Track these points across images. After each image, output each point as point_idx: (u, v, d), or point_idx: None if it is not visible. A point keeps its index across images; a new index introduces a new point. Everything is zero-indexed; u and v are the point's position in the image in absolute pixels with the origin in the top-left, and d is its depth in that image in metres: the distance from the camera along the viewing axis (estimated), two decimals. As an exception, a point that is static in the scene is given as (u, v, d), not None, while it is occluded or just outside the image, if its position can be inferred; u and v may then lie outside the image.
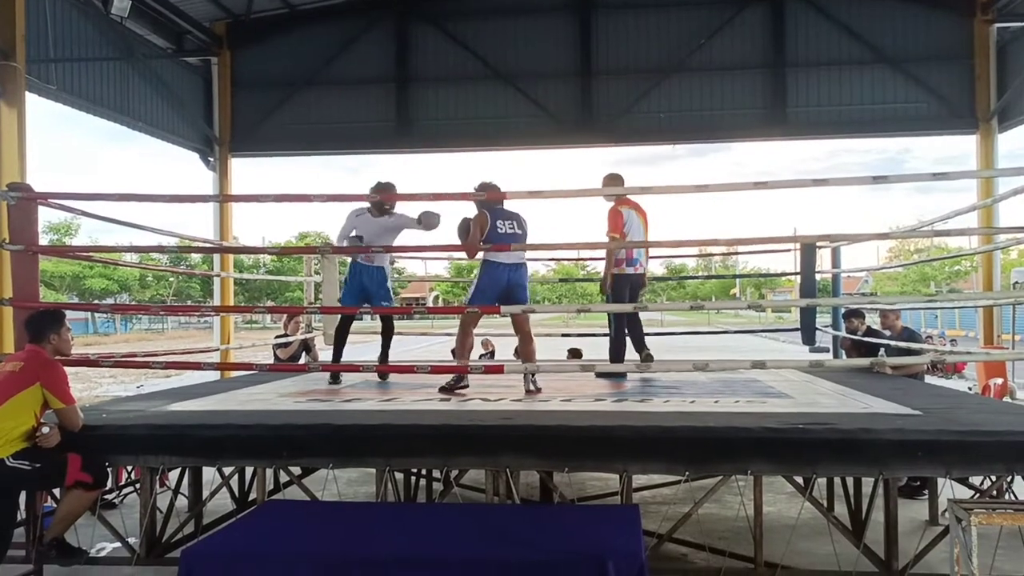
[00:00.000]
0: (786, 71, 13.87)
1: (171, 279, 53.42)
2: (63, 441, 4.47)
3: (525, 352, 6.46)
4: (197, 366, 6.48)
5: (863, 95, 13.77)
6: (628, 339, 6.94)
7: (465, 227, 6.08)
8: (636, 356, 6.78)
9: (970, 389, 12.38)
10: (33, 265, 5.42)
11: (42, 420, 4.46)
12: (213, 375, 10.22)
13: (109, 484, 6.45)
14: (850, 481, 5.59)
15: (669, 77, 14.05)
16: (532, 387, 6.06)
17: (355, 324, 7.12)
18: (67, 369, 4.69)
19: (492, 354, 10.53)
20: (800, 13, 13.84)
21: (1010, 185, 5.37)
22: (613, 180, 6.64)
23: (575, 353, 9.72)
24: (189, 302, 52.16)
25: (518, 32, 14.38)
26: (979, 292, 16.76)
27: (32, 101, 10.18)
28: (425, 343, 30.97)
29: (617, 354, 6.81)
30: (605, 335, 7.29)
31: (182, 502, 5.73)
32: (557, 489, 4.91)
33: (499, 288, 6.10)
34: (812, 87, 13.88)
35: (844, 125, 14.11)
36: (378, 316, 6.99)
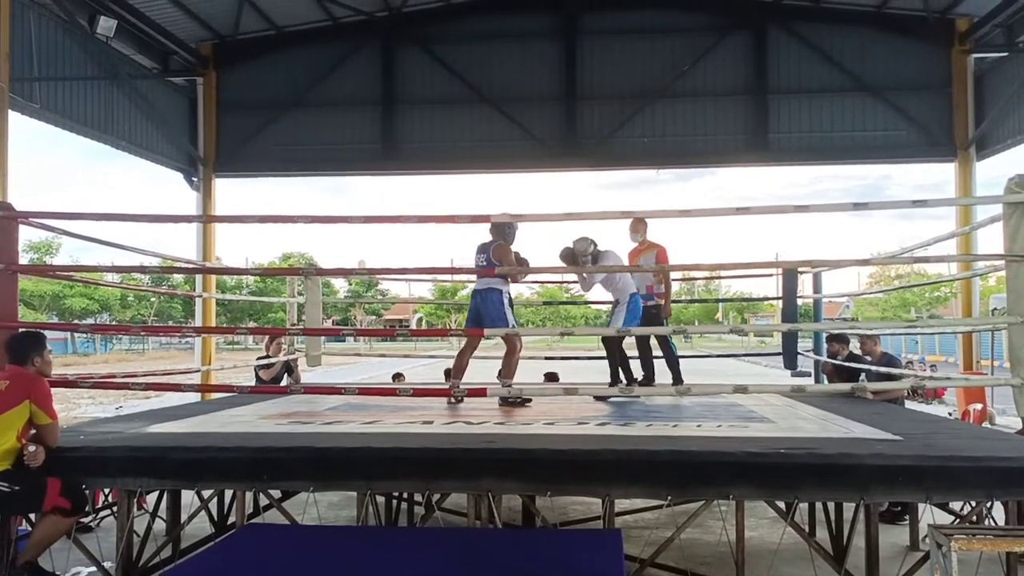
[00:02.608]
0: (768, 98, 14.05)
1: (153, 299, 53.10)
2: (44, 463, 4.43)
3: (506, 363, 6.74)
4: (177, 388, 6.41)
5: (843, 122, 13.97)
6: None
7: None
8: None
9: (950, 414, 12.45)
10: (12, 284, 5.37)
11: (27, 440, 4.42)
12: (194, 397, 10.14)
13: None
14: (831, 506, 5.59)
15: (653, 102, 14.20)
16: (510, 398, 6.47)
17: (338, 346, 7.30)
18: (45, 389, 4.66)
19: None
20: (782, 41, 14.05)
21: (988, 212, 5.42)
22: (641, 223, 7.50)
23: (551, 377, 9.70)
24: (170, 323, 51.80)
25: (504, 56, 14.50)
26: (958, 318, 16.92)
27: (15, 119, 10.16)
28: (408, 365, 30.82)
29: (678, 373, 7.46)
30: (590, 358, 7.44)
31: (160, 525, 5.65)
32: (539, 513, 4.89)
33: (471, 311, 6.86)
34: (793, 114, 14.07)
35: (825, 152, 14.31)
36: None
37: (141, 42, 12.99)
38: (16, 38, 10.21)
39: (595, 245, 7.07)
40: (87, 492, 4.85)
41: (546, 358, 11.16)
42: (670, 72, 14.17)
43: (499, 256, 6.64)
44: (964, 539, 3.59)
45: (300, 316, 9.53)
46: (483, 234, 6.87)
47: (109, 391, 18.17)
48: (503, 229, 6.72)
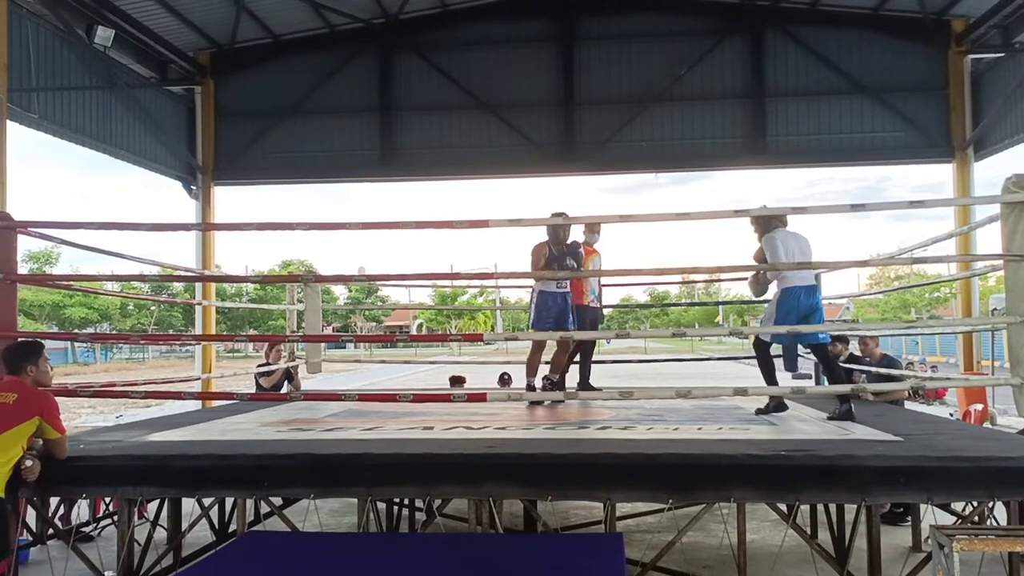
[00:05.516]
0: (765, 101, 14.06)
1: (153, 308, 53.05)
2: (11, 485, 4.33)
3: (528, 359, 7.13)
4: (177, 396, 6.41)
5: (841, 124, 13.98)
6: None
7: None
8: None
9: (951, 415, 12.44)
10: (11, 294, 5.37)
11: (26, 453, 4.36)
12: (194, 405, 10.11)
13: (76, 519, 6.36)
14: (833, 508, 5.59)
15: (651, 107, 14.21)
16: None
17: (338, 352, 7.28)
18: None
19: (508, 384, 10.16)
20: (779, 44, 14.07)
21: (986, 213, 5.42)
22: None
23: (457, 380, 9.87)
24: (171, 331, 51.73)
25: (502, 62, 14.51)
26: (958, 319, 16.90)
27: (14, 129, 10.17)
28: (410, 371, 30.85)
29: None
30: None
31: (160, 534, 5.64)
32: (541, 518, 4.88)
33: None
34: (791, 116, 14.08)
35: (823, 154, 14.31)
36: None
37: (139, 51, 13.00)
38: (14, 48, 10.23)
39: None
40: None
41: (544, 363, 11.11)
42: (668, 76, 14.18)
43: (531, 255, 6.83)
44: (966, 540, 3.59)
45: (300, 323, 9.53)
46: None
47: (109, 400, 18.12)
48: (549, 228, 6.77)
